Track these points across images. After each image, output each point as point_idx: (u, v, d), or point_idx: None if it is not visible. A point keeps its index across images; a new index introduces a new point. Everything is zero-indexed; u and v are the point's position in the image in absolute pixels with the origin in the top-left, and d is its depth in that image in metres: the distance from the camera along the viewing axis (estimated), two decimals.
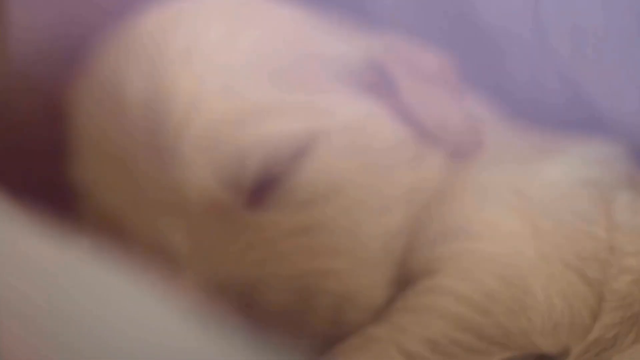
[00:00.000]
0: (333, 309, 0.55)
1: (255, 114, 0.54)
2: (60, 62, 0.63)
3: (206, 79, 0.54)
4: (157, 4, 0.59)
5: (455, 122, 0.60)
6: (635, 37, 0.64)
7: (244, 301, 0.53)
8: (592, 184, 0.60)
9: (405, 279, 0.57)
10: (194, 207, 0.54)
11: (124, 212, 0.55)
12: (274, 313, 0.53)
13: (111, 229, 0.56)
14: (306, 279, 0.54)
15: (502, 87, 0.71)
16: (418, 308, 0.55)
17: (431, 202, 0.58)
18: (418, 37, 0.64)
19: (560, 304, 0.55)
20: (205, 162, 0.53)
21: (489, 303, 0.54)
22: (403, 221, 0.57)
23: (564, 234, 0.57)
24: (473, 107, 0.63)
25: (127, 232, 0.55)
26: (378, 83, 0.58)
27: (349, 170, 0.56)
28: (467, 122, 0.60)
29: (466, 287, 0.55)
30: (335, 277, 0.55)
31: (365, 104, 0.58)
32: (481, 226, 0.57)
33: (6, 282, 0.36)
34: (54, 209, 0.49)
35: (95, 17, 0.64)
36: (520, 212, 0.57)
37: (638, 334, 0.55)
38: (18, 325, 0.34)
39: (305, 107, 0.55)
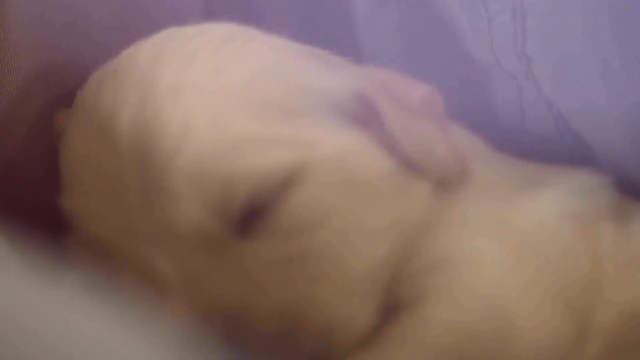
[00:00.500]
0: (319, 337, 0.55)
1: (243, 145, 0.54)
2: (51, 90, 0.64)
3: (194, 110, 0.55)
4: (146, 37, 0.60)
5: (441, 153, 0.60)
6: (618, 67, 0.66)
7: (231, 328, 0.53)
8: (577, 216, 0.61)
9: (391, 308, 0.58)
10: (183, 237, 0.54)
11: (114, 243, 0.56)
12: (262, 340, 0.54)
13: (101, 260, 0.56)
14: (292, 307, 0.55)
15: (488, 118, 0.72)
16: (403, 337, 0.56)
17: (417, 233, 0.59)
18: (405, 69, 0.65)
19: (544, 335, 0.56)
20: (194, 192, 0.54)
21: (474, 333, 0.55)
22: (389, 252, 0.58)
23: (549, 266, 0.58)
24: (459, 138, 0.64)
25: (116, 263, 0.56)
26: (364, 115, 0.59)
27: (335, 201, 0.56)
28: (453, 153, 0.61)
29: (451, 317, 0.56)
30: (321, 306, 0.55)
31: (352, 135, 0.58)
32: (466, 257, 0.58)
33: None
34: (43, 240, 0.50)
35: (86, 49, 0.65)
36: (505, 243, 0.58)
37: None
38: None
39: (291, 138, 0.56)
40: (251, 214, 0.55)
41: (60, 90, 0.63)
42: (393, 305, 0.57)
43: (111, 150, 0.55)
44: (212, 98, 0.56)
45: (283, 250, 0.55)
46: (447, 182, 0.60)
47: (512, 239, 0.59)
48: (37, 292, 0.39)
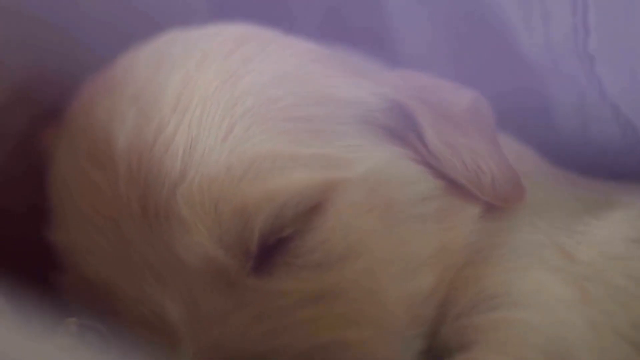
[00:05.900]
0: None
1: (261, 165, 0.53)
2: (39, 109, 0.63)
3: (204, 125, 0.53)
4: (146, 43, 0.59)
5: (490, 170, 0.58)
6: None
7: None
8: None
9: (436, 353, 0.56)
10: (192, 273, 0.53)
11: (113, 281, 0.54)
12: None
13: (99, 302, 0.55)
14: (322, 352, 0.53)
15: (544, 127, 0.71)
16: None
17: (465, 264, 0.57)
18: (448, 73, 0.64)
19: None
20: (204, 221, 0.52)
21: None
22: (433, 286, 0.56)
23: (617, 300, 0.56)
24: (511, 152, 0.62)
25: (117, 305, 0.54)
26: (401, 127, 0.57)
27: (370, 228, 0.55)
28: (505, 170, 0.59)
29: None
30: (355, 350, 0.54)
31: (387, 151, 0.57)
32: (523, 292, 0.56)
33: None
34: (30, 281, 0.50)
35: (77, 55, 0.65)
36: (566, 275, 0.56)
37: None
38: None
39: (318, 156, 0.54)
40: (271, 246, 0.53)
41: (47, 105, 0.62)
42: (440, 350, 0.56)
43: (107, 173, 0.54)
44: (224, 111, 0.54)
45: (310, 286, 0.54)
46: (499, 205, 0.59)
47: (575, 271, 0.57)
48: (28, 342, 0.39)
